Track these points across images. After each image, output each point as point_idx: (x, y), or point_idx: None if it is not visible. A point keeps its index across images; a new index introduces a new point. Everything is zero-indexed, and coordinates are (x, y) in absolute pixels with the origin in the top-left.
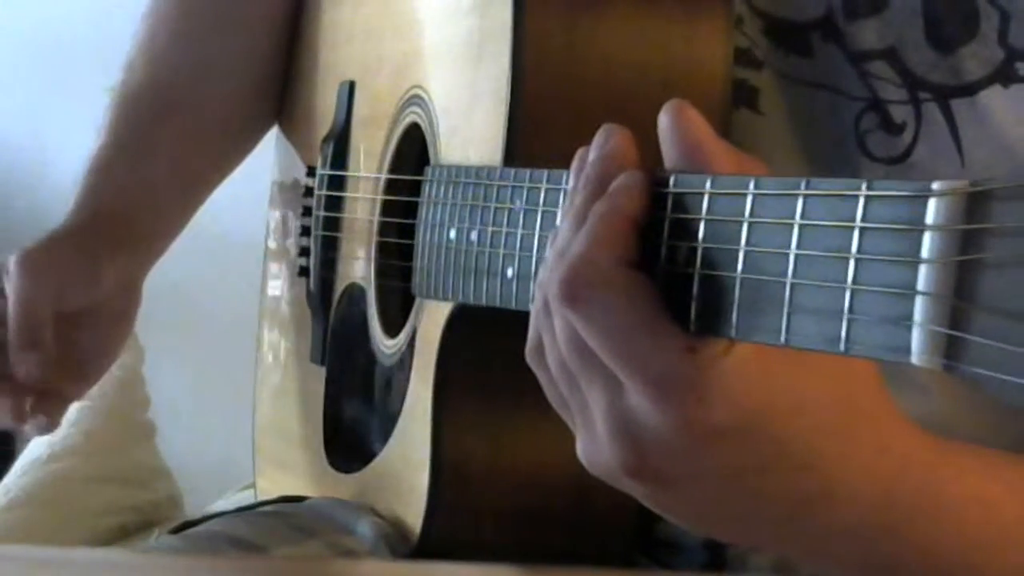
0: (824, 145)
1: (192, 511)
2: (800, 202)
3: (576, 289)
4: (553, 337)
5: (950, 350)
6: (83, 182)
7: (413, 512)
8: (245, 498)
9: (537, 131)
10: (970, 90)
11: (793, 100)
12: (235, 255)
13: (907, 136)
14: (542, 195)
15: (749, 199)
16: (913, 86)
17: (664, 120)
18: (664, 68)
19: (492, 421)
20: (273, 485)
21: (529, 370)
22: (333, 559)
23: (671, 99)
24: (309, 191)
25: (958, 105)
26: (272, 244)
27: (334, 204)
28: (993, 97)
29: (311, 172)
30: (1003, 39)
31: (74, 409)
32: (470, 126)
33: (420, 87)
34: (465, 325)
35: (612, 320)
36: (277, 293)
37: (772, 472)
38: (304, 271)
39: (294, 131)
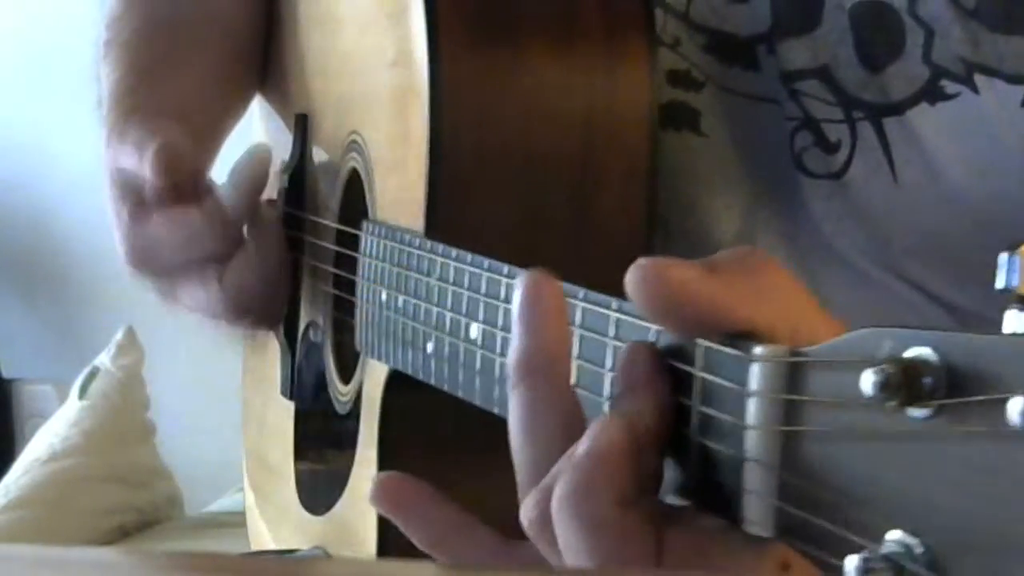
0: (765, 163)
1: (191, 511)
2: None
3: None
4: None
5: (780, 522)
6: (112, 112)
7: None
8: (244, 499)
9: (458, 196)
10: (898, 109)
11: (736, 117)
12: None
13: (842, 154)
14: (452, 273)
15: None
16: (848, 105)
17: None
18: (587, 112)
19: (435, 479)
20: (258, 510)
21: (471, 430)
22: (311, 559)
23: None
24: None
25: (889, 124)
26: None
27: (292, 243)
28: (921, 115)
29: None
30: (927, 57)
31: (74, 409)
32: (397, 184)
33: (358, 133)
34: (403, 387)
35: None
36: None
37: None
38: None
39: None
